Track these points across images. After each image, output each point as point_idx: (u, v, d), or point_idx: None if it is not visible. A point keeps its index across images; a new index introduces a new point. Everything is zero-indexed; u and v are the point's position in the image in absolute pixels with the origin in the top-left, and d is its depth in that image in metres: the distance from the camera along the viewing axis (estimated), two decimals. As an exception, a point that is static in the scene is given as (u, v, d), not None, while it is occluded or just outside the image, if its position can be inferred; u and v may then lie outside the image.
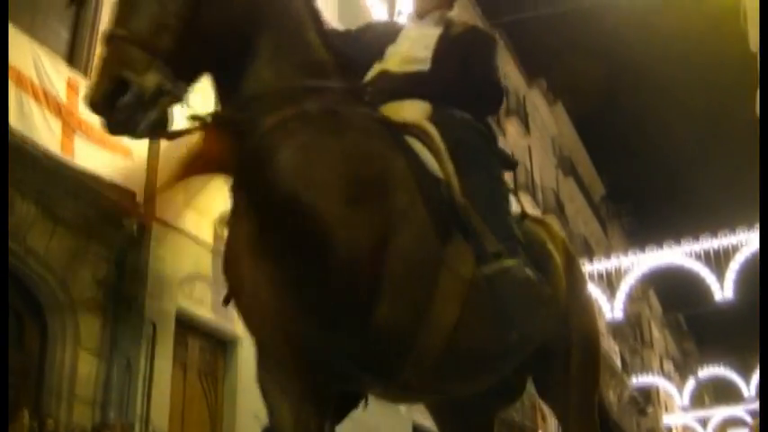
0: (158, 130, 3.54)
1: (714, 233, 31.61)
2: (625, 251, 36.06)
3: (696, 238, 31.95)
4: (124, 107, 3.32)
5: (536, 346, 4.67)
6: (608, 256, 35.74)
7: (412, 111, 4.58)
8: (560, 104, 50.35)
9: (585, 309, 5.44)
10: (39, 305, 12.90)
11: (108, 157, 13.07)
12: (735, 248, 31.05)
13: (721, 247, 31.28)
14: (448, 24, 5.08)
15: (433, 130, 4.38)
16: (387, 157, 3.96)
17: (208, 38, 3.61)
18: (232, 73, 3.84)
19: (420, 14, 5.17)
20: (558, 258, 4.95)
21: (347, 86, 4.19)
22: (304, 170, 3.69)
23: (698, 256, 31.77)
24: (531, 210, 39.24)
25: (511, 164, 5.07)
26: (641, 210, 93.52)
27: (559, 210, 44.88)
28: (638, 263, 33.53)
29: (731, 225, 31.57)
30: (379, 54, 4.99)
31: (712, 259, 31.42)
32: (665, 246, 32.82)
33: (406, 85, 4.74)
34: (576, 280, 5.25)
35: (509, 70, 42.36)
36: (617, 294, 33.75)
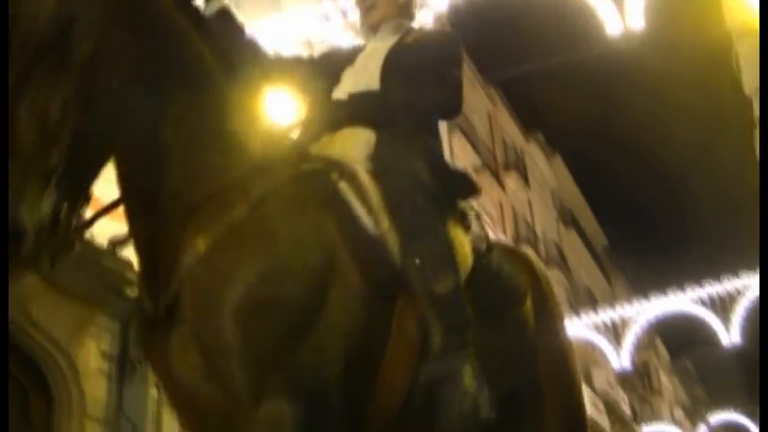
0: (67, 251, 3.30)
1: (718, 278, 31.55)
2: (629, 300, 35.86)
3: (700, 283, 31.84)
4: (24, 247, 3.00)
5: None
6: (612, 305, 35.54)
7: (351, 143, 4.15)
8: (559, 157, 50.56)
9: (560, 350, 4.84)
10: (43, 377, 12.92)
11: (110, 225, 13.13)
12: (739, 292, 30.94)
13: (726, 292, 31.18)
14: (404, 33, 4.63)
15: (364, 177, 3.88)
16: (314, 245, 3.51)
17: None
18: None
19: (373, 28, 4.72)
20: (526, 294, 4.50)
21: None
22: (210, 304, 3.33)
23: (703, 302, 31.63)
24: (534, 262, 39.24)
25: (468, 188, 4.43)
26: (644, 258, 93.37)
27: (562, 261, 44.92)
28: (644, 311, 33.38)
29: (734, 269, 31.51)
30: (336, 80, 4.54)
31: (717, 304, 31.29)
32: (669, 293, 32.69)
33: (347, 111, 4.31)
34: (549, 318, 4.73)
35: (506, 125, 42.71)
36: (623, 344, 33.59)
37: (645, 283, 49.19)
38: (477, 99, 39.09)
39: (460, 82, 4.41)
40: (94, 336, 13.48)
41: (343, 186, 3.78)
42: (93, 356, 13.37)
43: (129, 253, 11.85)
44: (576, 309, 39.08)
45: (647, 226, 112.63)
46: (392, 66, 4.37)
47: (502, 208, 38.82)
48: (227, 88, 3.69)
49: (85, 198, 3.39)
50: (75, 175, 3.19)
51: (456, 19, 19.70)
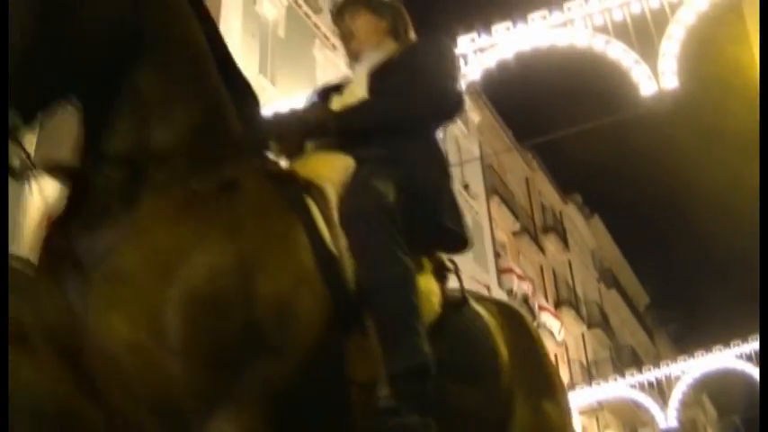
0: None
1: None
2: (674, 358, 35.79)
3: (745, 339, 31.78)
4: None
5: None
6: (657, 364, 35.48)
7: (329, 167, 3.62)
8: (597, 217, 50.70)
9: (546, 415, 4.03)
10: None
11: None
12: (784, 346, 30.90)
13: (771, 346, 31.10)
14: (388, 52, 4.18)
15: (331, 192, 3.40)
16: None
17: (63, 60, 2.69)
18: (97, 111, 2.92)
19: (355, 56, 4.33)
20: (503, 355, 3.82)
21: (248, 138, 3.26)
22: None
23: (748, 358, 31.55)
24: (575, 325, 39.34)
25: (457, 241, 3.80)
26: (687, 315, 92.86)
27: (604, 322, 44.90)
28: (689, 369, 33.29)
29: (777, 323, 31.44)
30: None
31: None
32: (714, 349, 32.64)
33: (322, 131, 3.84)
34: (535, 379, 4.05)
35: (544, 188, 42.99)
36: (669, 402, 33.46)
37: (689, 340, 49.11)
38: (515, 163, 39.50)
39: (454, 77, 4.09)
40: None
41: (308, 197, 3.29)
42: None
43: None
44: (620, 369, 39.01)
45: (689, 283, 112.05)
46: (377, 85, 3.96)
47: (542, 271, 39.01)
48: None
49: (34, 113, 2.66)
50: (29, 87, 2.61)
51: (490, 84, 20.01)
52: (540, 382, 4.05)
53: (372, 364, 3.10)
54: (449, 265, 3.79)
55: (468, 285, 3.84)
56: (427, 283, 3.49)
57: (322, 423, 3.05)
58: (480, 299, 4.08)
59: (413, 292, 3.24)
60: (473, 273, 26.14)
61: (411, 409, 3.03)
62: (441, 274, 3.73)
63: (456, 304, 3.67)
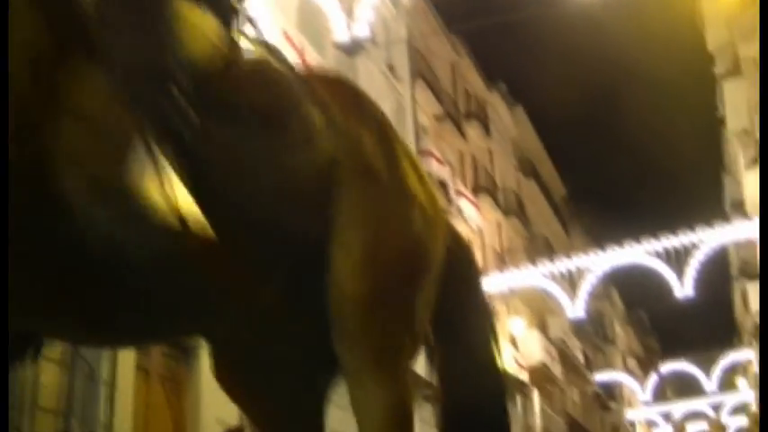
0: None
1: (674, 231, 31.95)
2: (586, 250, 36.28)
3: (656, 236, 32.24)
4: None
5: None
6: (569, 255, 35.91)
7: None
8: (520, 108, 50.68)
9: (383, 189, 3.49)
10: None
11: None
12: (694, 246, 31.38)
13: (681, 245, 31.60)
14: None
15: None
16: None
17: None
18: None
19: None
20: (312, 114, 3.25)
21: None
22: None
23: (658, 255, 32.05)
24: (492, 212, 39.57)
25: None
26: (602, 210, 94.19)
27: (521, 211, 45.26)
28: (600, 262, 33.75)
29: (690, 224, 31.93)
30: None
31: (672, 257, 31.74)
32: (625, 245, 33.08)
33: None
34: (373, 157, 3.48)
35: (469, 76, 42.76)
36: (579, 293, 33.97)
37: (602, 234, 49.78)
38: (441, 48, 39.14)
39: None
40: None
41: None
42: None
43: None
44: (533, 258, 39.44)
45: (607, 179, 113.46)
46: None
47: (462, 157, 39.01)
48: None
49: None
50: None
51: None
52: (374, 158, 3.43)
53: None
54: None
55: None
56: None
57: None
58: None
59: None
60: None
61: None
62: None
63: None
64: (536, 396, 41.24)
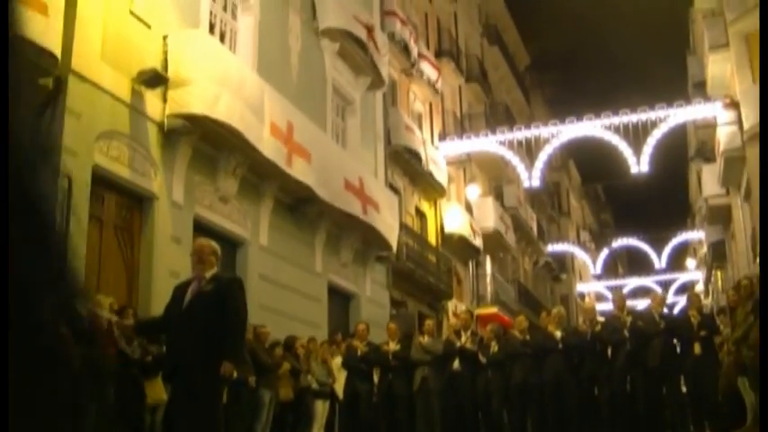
0: None
1: (633, 108, 32.08)
2: (546, 121, 36.31)
3: (616, 112, 32.37)
4: None
5: None
6: (528, 125, 35.98)
7: None
8: (487, -29, 50.09)
9: None
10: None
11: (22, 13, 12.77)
12: (653, 124, 31.58)
13: (639, 122, 31.78)
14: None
15: None
16: None
17: None
18: None
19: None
20: None
21: None
22: None
23: (616, 130, 32.24)
24: (454, 76, 39.37)
25: None
26: (565, 82, 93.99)
27: (483, 77, 45.02)
28: (558, 133, 33.88)
29: (650, 102, 32.06)
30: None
31: (630, 133, 31.93)
32: (584, 118, 33.19)
33: None
34: None
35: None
36: (536, 163, 34.16)
37: (562, 106, 49.96)
38: None
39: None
40: (5, 123, 13.33)
41: None
42: (3, 144, 13.26)
43: (42, 39, 11.57)
44: (492, 125, 39.44)
45: (571, 51, 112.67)
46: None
47: (427, 19, 38.57)
48: None
49: None
50: None
51: None
52: None
53: None
54: None
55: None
56: None
57: None
58: None
59: None
60: (356, 11, 25.70)
61: None
62: None
63: None
64: (488, 262, 41.71)
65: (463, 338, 16.76)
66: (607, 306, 29.69)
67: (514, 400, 16.39)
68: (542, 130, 34.41)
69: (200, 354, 8.09)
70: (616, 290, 32.17)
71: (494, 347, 16.52)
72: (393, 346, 17.12)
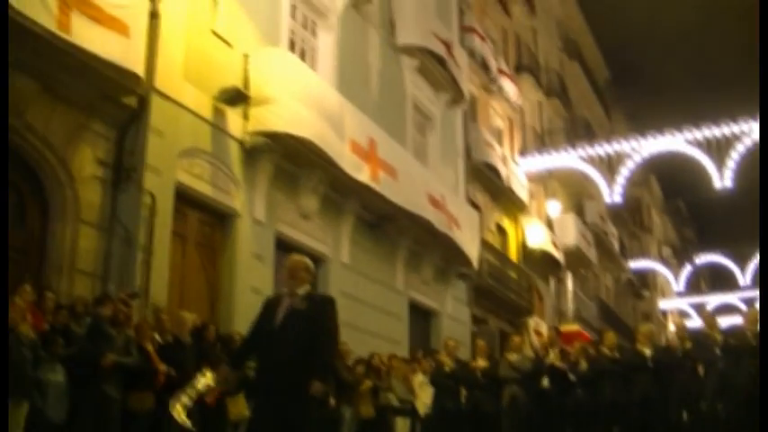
0: None
1: (716, 122, 31.62)
2: (627, 136, 35.96)
3: (698, 126, 31.93)
4: None
5: None
6: (609, 140, 35.63)
7: None
8: (567, -15, 49.79)
9: None
10: (39, 181, 13.01)
11: (106, 34, 12.95)
12: (736, 137, 31.09)
13: (723, 136, 31.31)
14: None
15: None
16: None
17: None
18: None
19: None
20: None
21: None
22: None
23: (699, 144, 31.79)
24: (533, 92, 39.18)
25: None
26: (645, 96, 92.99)
27: (563, 92, 44.73)
28: (639, 148, 33.52)
29: (732, 115, 31.54)
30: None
31: (713, 147, 31.47)
32: (666, 132, 32.80)
33: None
34: None
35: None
36: (617, 178, 33.80)
37: (643, 121, 49.32)
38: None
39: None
40: (90, 142, 13.53)
41: None
42: (88, 163, 13.46)
43: (126, 60, 11.77)
44: (573, 140, 39.15)
45: (651, 64, 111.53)
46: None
47: (506, 35, 38.43)
48: None
49: None
50: None
51: None
52: None
53: None
54: None
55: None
56: None
57: None
58: None
59: None
60: (435, 28, 25.69)
61: None
62: None
63: None
64: (569, 279, 41.36)
65: (551, 356, 16.55)
66: (691, 324, 29.20)
67: (603, 419, 16.11)
68: (623, 145, 34.05)
69: (291, 372, 8.03)
70: (703, 308, 31.70)
71: (582, 365, 16.28)
72: (482, 363, 17.00)
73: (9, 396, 9.07)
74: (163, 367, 11.62)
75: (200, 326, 13.45)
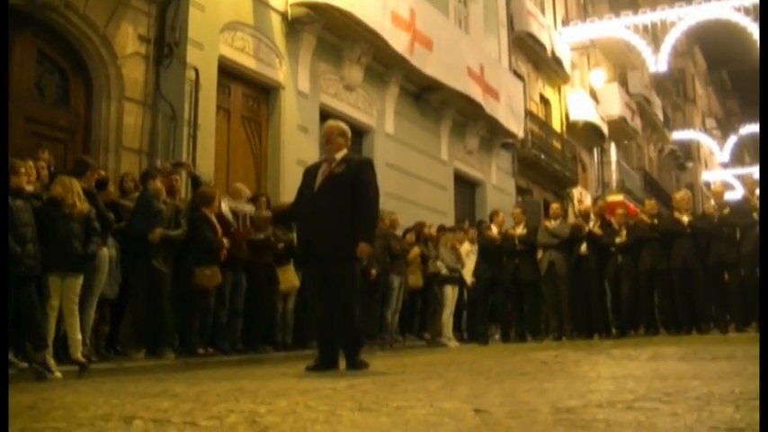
0: None
1: (762, -12, 30.93)
2: (672, 3, 35.31)
3: (743, -7, 31.24)
4: None
5: None
6: (654, 8, 35.01)
7: None
8: None
9: None
10: (82, 60, 13.03)
11: None
12: (785, 3, 30.42)
13: (768, 2, 30.65)
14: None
15: None
16: None
17: None
18: None
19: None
20: None
21: None
22: None
23: (747, 11, 31.13)
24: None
25: None
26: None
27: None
28: (684, 15, 32.91)
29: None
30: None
31: (758, 14, 30.83)
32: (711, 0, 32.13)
33: None
34: None
35: None
36: (662, 47, 33.28)
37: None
38: None
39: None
40: (131, 19, 13.50)
41: None
42: (130, 39, 13.45)
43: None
44: (616, 9, 38.51)
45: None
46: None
47: None
48: None
49: None
50: None
51: None
52: None
53: None
54: None
55: None
56: None
57: None
58: None
59: None
60: None
61: None
62: None
63: None
64: (613, 149, 41.16)
65: (591, 223, 16.58)
66: (734, 195, 28.94)
67: (643, 285, 16.19)
68: (668, 13, 33.43)
69: (335, 237, 8.09)
70: (746, 175, 31.38)
71: (623, 233, 16.31)
72: (520, 230, 17.08)
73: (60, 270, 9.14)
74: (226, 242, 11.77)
75: (253, 197, 13.60)
